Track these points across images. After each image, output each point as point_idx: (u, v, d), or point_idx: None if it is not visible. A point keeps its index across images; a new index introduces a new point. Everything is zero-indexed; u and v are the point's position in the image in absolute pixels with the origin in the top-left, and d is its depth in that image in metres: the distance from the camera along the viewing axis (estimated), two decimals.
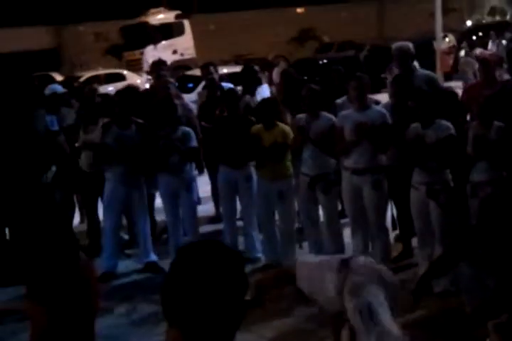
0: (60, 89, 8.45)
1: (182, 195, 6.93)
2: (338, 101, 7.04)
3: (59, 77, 23.64)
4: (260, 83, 9.04)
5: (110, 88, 18.22)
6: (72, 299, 3.70)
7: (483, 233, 5.04)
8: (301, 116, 6.56)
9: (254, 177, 6.85)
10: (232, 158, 6.79)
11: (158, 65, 8.82)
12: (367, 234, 6.30)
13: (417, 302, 4.91)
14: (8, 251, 5.99)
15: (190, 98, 10.79)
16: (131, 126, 6.83)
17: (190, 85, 17.13)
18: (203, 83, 12.69)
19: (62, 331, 3.69)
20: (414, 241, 6.37)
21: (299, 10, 38.12)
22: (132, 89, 8.04)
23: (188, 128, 6.95)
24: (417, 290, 4.91)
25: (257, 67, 9.27)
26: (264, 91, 8.87)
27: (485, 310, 4.89)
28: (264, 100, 6.94)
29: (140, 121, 6.91)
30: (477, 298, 4.96)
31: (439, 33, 19.65)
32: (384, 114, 6.07)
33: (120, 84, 20.77)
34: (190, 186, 6.98)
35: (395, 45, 7.24)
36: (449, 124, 5.71)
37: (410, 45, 7.21)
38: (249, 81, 8.36)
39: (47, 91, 8.16)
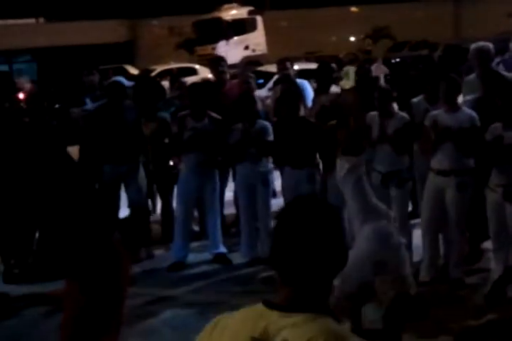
0: (124, 82, 8.53)
1: (258, 189, 6.95)
2: (414, 100, 6.96)
3: (133, 70, 24.04)
4: (334, 81, 8.97)
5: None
6: (104, 276, 3.82)
7: None
8: (374, 113, 6.52)
9: (318, 177, 6.82)
10: (295, 158, 6.76)
11: (217, 61, 8.83)
12: (438, 236, 6.20)
13: (490, 306, 4.84)
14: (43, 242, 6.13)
15: (260, 93, 10.82)
16: (205, 118, 6.93)
17: (261, 81, 17.15)
18: (273, 79, 12.71)
19: (95, 309, 3.82)
20: (488, 244, 6.25)
21: (368, 8, 37.71)
22: (207, 82, 8.14)
23: (266, 122, 6.99)
24: (491, 294, 4.84)
25: (333, 65, 9.20)
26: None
27: None
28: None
29: (214, 114, 6.99)
30: None
31: None
32: (474, 117, 5.94)
33: (192, 79, 20.99)
34: (266, 180, 6.97)
35: (475, 45, 7.11)
36: None
37: (491, 45, 7.07)
38: (324, 78, 8.31)
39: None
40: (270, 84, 14.16)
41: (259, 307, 1.77)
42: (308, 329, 1.67)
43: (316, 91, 8.44)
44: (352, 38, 35.00)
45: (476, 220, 6.50)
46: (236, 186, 7.29)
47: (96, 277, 3.85)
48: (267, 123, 7.01)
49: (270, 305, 1.75)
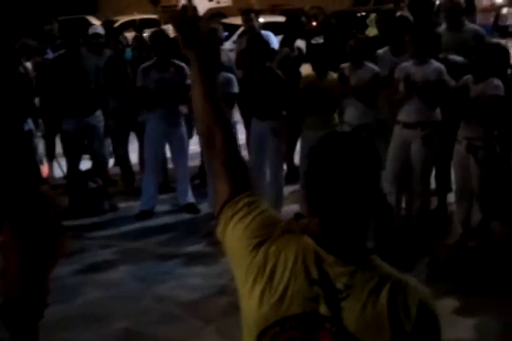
0: (101, 31, 8.42)
1: None
2: (380, 51, 6.92)
3: (95, 21, 23.48)
4: (302, 35, 8.82)
5: (145, 34, 18.07)
6: (34, 218, 3.94)
7: None
8: (345, 65, 6.47)
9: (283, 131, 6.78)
10: (260, 109, 6.68)
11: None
12: (402, 188, 6.22)
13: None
14: None
15: (225, 46, 10.66)
16: (170, 68, 6.85)
17: (226, 33, 16.92)
18: (238, 31, 12.52)
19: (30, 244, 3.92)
20: (452, 197, 6.32)
21: None
22: (163, 32, 7.98)
23: (230, 74, 6.91)
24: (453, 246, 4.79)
25: (303, 19, 9.09)
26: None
27: None
28: (316, 47, 6.85)
29: (178, 62, 6.88)
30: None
31: None
32: (441, 70, 5.89)
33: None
34: None
35: None
36: (499, 84, 5.52)
37: None
38: (292, 31, 8.19)
39: (91, 30, 8.16)
40: (235, 36, 13.99)
41: (310, 241, 1.70)
42: (373, 274, 1.67)
43: (281, 43, 8.35)
44: None
45: (442, 173, 6.57)
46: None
47: (25, 217, 3.94)
48: (231, 75, 6.93)
49: (324, 245, 1.69)
